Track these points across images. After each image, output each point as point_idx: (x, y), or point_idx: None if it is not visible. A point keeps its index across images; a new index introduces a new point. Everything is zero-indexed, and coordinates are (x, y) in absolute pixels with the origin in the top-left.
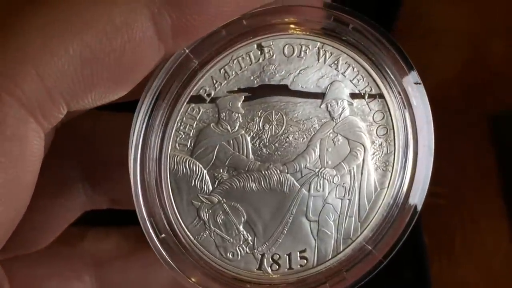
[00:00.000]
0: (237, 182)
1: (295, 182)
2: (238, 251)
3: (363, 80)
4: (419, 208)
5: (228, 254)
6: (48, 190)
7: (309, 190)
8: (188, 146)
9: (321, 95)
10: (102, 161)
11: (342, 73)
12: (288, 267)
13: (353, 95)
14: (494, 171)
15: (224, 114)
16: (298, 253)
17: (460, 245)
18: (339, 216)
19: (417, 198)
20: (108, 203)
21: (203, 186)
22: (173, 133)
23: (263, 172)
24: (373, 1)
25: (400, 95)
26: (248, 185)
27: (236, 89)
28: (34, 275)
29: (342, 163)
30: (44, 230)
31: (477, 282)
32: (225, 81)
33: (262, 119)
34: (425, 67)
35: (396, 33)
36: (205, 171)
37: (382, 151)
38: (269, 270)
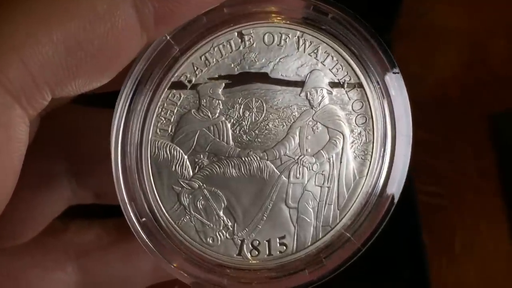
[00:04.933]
0: (218, 168)
1: (274, 169)
2: (218, 236)
3: (342, 69)
4: (397, 196)
5: (208, 239)
6: (33, 184)
7: (288, 177)
8: (169, 131)
9: (300, 84)
10: (87, 155)
11: (321, 62)
12: (267, 253)
13: (333, 84)
14: (494, 171)
15: (204, 100)
16: (277, 239)
17: (460, 245)
18: (318, 204)
19: (395, 187)
20: (93, 197)
21: (184, 171)
22: (154, 118)
23: (243, 159)
24: None
25: (379, 84)
26: (228, 171)
27: (216, 76)
28: (16, 266)
29: (321, 151)
30: (29, 224)
31: (477, 282)
32: (206, 68)
33: (242, 106)
34: (425, 66)
35: (396, 31)
36: (185, 157)
37: (361, 140)
38: (248, 255)
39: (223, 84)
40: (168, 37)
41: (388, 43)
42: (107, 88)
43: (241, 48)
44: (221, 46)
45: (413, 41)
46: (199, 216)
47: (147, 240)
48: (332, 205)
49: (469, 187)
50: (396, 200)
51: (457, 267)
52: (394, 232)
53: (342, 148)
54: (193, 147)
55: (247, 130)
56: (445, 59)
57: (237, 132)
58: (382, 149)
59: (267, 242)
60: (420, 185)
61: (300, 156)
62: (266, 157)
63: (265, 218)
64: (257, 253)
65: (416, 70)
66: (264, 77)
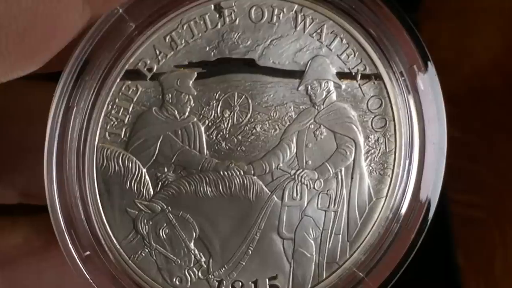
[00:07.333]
0: (187, 185)
1: (263, 187)
2: (188, 275)
3: (354, 55)
4: (427, 223)
5: (174, 280)
6: None
7: (282, 198)
8: (122, 136)
9: (299, 74)
10: (13, 146)
11: (327, 46)
12: None
13: (342, 75)
14: None
15: (170, 95)
16: (267, 280)
17: (501, 265)
18: (321, 233)
19: (425, 210)
20: (19, 197)
21: (142, 189)
22: (101, 118)
23: (221, 173)
24: None
25: (403, 76)
26: (202, 190)
27: (186, 63)
28: None
29: (326, 163)
30: None
31: None
32: (172, 52)
33: (220, 104)
34: (459, 52)
35: (423, 10)
36: (144, 170)
37: (379, 150)
38: None
39: (195, 74)
40: (120, 10)
41: (414, 24)
42: (39, 71)
43: (219, 25)
44: (192, 23)
45: (444, 22)
46: (162, 249)
47: (91, 280)
48: (340, 236)
49: None
50: (426, 227)
51: None
52: (422, 250)
53: (354, 160)
54: (154, 157)
55: (227, 136)
56: (483, 43)
57: (214, 137)
58: (407, 162)
59: (253, 284)
60: (454, 194)
61: (298, 170)
62: (252, 172)
63: (250, 252)
64: None
65: (448, 56)
66: (250, 65)
